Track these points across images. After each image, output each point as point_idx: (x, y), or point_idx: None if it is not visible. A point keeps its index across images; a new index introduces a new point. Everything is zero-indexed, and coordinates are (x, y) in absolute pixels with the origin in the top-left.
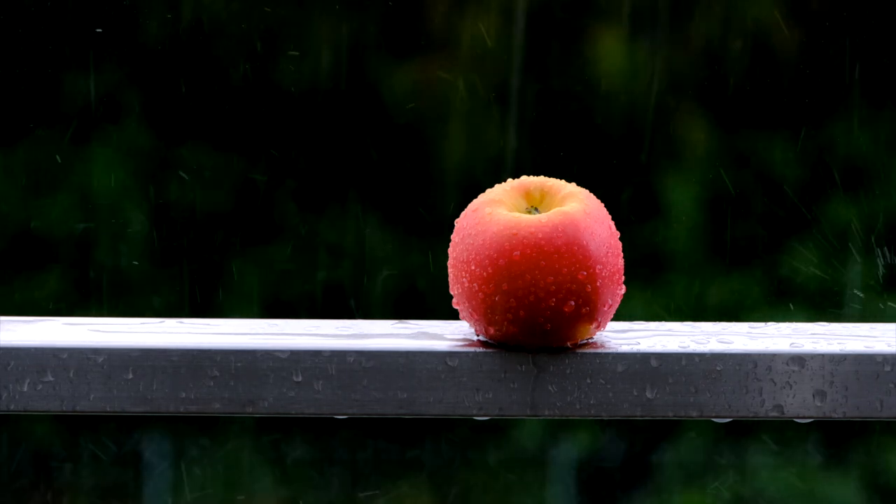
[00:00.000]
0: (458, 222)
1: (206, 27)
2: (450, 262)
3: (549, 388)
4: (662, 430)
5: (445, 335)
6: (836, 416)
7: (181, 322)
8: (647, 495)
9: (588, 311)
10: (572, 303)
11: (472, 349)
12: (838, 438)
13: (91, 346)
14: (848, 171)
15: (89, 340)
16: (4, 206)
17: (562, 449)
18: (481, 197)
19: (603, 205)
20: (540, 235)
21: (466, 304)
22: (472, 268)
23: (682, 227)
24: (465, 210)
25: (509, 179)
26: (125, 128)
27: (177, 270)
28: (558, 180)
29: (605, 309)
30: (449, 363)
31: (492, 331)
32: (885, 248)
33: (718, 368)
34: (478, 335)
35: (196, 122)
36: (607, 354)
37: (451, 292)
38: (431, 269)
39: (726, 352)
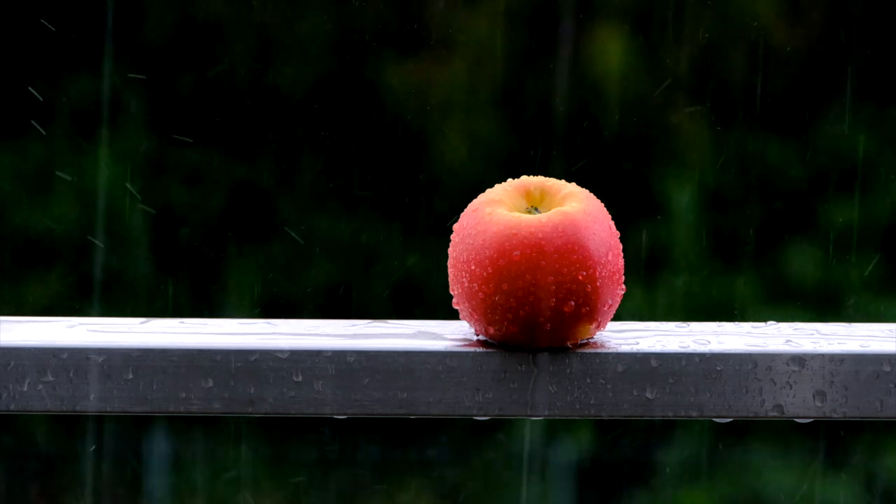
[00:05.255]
0: (457, 222)
1: (205, 27)
2: (450, 263)
3: (549, 388)
4: (662, 430)
5: (445, 335)
6: (836, 416)
7: (181, 322)
8: (648, 495)
9: (588, 311)
10: (572, 303)
11: (472, 349)
12: (838, 438)
13: (91, 346)
14: (848, 170)
15: (89, 340)
16: (4, 206)
17: (561, 449)
18: (481, 197)
19: (603, 205)
20: (540, 235)
21: (466, 304)
22: (472, 268)
23: (681, 227)
24: (465, 210)
25: (509, 179)
26: (125, 128)
27: (177, 270)
28: (558, 180)
29: (605, 309)
30: (449, 363)
31: (492, 331)
32: (885, 248)
33: (718, 368)
34: (478, 335)
35: (195, 123)
36: (607, 354)
37: (451, 292)
38: (431, 269)
39: (726, 352)
